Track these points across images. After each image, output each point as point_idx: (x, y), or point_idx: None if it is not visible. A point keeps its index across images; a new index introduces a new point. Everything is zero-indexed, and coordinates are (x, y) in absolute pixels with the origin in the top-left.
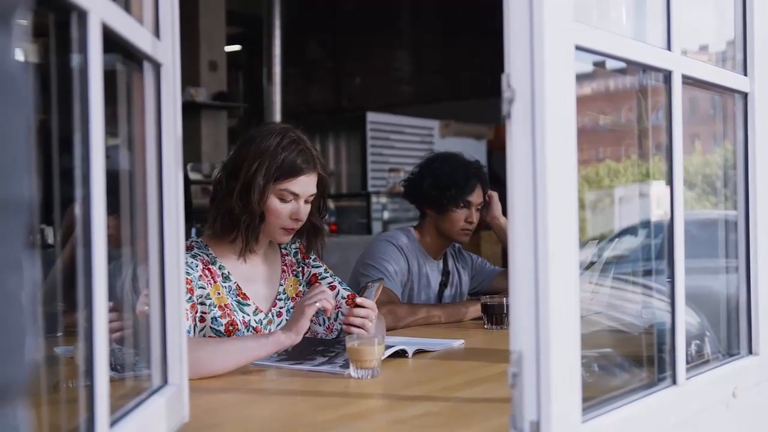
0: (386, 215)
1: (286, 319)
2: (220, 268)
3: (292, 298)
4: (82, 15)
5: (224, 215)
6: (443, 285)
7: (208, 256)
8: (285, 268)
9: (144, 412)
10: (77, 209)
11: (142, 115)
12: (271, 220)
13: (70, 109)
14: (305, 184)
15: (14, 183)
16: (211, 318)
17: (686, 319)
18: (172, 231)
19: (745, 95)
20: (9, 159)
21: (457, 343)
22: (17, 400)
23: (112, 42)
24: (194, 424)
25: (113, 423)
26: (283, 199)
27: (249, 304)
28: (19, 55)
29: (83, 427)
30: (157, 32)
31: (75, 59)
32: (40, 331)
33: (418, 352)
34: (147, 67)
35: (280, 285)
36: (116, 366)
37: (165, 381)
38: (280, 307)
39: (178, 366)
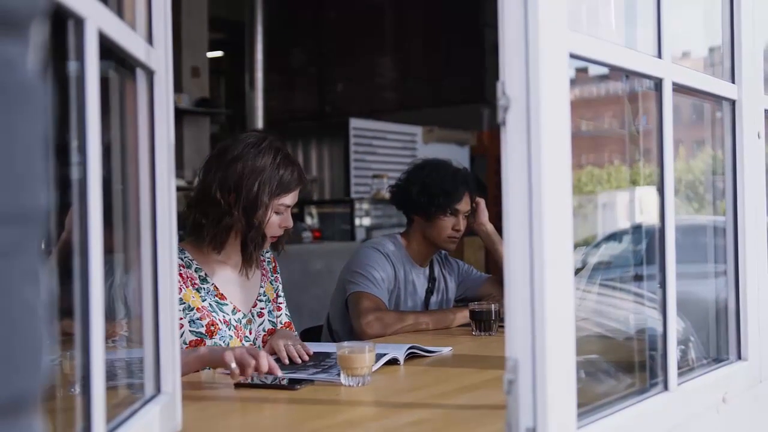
0: (370, 221)
1: (269, 320)
2: (196, 271)
3: (272, 300)
4: (79, 22)
5: (225, 230)
6: (429, 292)
7: (182, 259)
8: (264, 272)
9: (138, 422)
10: (75, 217)
11: (134, 122)
12: (265, 232)
13: (66, 116)
14: (296, 196)
15: (32, 194)
16: (189, 321)
17: None
18: (165, 238)
19: (732, 102)
20: (27, 169)
21: (446, 350)
22: (35, 410)
23: (106, 49)
24: None
25: None
26: (277, 212)
27: (227, 304)
28: (36, 65)
29: None
30: (150, 39)
31: (71, 66)
32: (54, 340)
33: (410, 356)
34: (140, 74)
35: (261, 287)
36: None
37: (158, 390)
38: (261, 308)
39: (171, 375)
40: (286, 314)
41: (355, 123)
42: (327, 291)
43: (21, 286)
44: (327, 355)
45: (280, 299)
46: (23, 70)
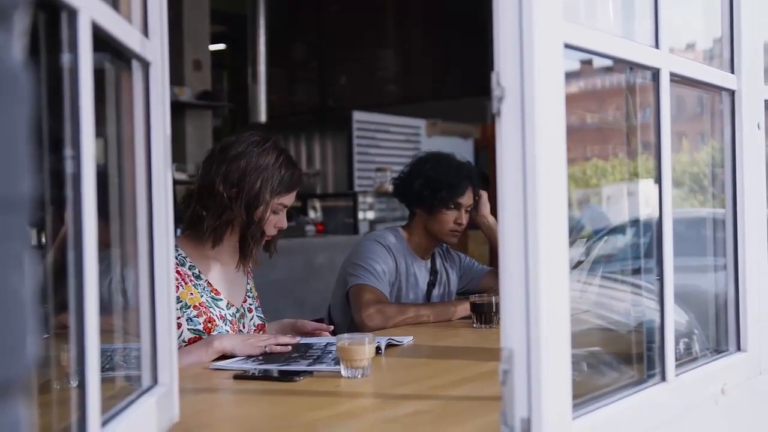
0: (373, 215)
1: (257, 316)
2: (190, 268)
3: (256, 297)
4: (72, 14)
5: (225, 225)
6: (431, 284)
7: (176, 257)
8: (249, 270)
9: (134, 413)
10: (68, 211)
11: (130, 114)
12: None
13: (60, 108)
14: (293, 197)
15: (16, 181)
16: (187, 319)
17: (675, 318)
18: (161, 232)
19: (732, 93)
20: (11, 157)
21: (407, 340)
22: (19, 396)
23: (101, 41)
24: (184, 424)
25: (104, 423)
26: (275, 212)
27: (221, 299)
28: (20, 53)
29: (75, 427)
30: (145, 31)
31: (64, 58)
32: (40, 328)
33: (389, 346)
34: (136, 66)
35: (248, 284)
36: (104, 366)
37: (155, 381)
38: (250, 304)
39: (168, 366)
40: (259, 316)
41: (358, 116)
42: (329, 284)
43: (5, 272)
44: (309, 346)
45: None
46: (7, 59)
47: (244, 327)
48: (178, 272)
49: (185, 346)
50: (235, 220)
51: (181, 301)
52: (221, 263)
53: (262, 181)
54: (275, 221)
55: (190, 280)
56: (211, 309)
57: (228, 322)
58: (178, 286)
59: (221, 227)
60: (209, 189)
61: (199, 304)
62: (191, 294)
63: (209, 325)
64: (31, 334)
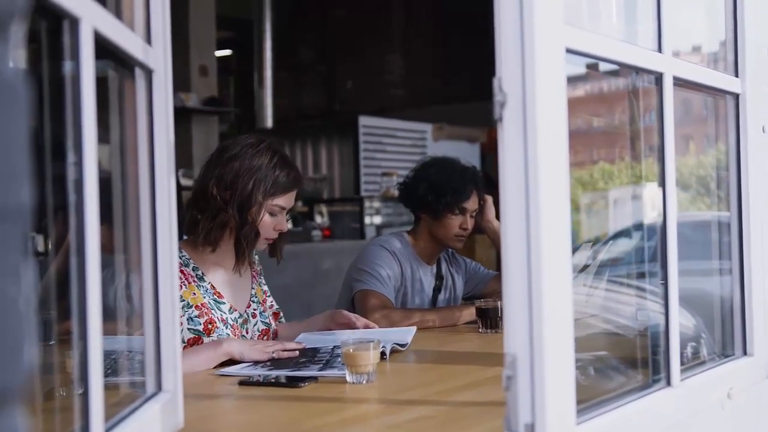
0: (379, 220)
1: (261, 321)
2: (194, 270)
3: (262, 302)
4: (74, 22)
5: (219, 227)
6: (437, 289)
7: (180, 258)
8: (254, 274)
9: (139, 419)
10: (71, 217)
11: (134, 121)
12: (259, 231)
13: (62, 116)
14: (292, 198)
15: (14, 190)
16: (188, 318)
17: (682, 322)
18: (165, 238)
19: (736, 96)
20: (8, 166)
21: (410, 334)
22: (16, 404)
23: (104, 48)
24: (188, 431)
25: (108, 430)
26: (272, 213)
27: (224, 303)
28: (17, 63)
29: None
30: (148, 38)
31: (67, 66)
32: (37, 336)
33: (394, 351)
34: (138, 73)
35: (252, 288)
36: (108, 372)
37: (159, 388)
38: (254, 309)
39: (173, 373)
40: (265, 320)
41: (364, 121)
42: (336, 289)
43: (2, 282)
44: (316, 350)
45: (269, 298)
46: (4, 69)
47: (247, 332)
48: (182, 272)
49: (186, 347)
50: (229, 222)
51: (184, 300)
52: (224, 268)
53: (255, 182)
54: (274, 224)
55: (194, 281)
56: (212, 311)
57: (229, 326)
58: (181, 285)
59: (216, 230)
60: (204, 192)
61: (201, 304)
62: (194, 294)
63: (209, 326)
64: (29, 344)
